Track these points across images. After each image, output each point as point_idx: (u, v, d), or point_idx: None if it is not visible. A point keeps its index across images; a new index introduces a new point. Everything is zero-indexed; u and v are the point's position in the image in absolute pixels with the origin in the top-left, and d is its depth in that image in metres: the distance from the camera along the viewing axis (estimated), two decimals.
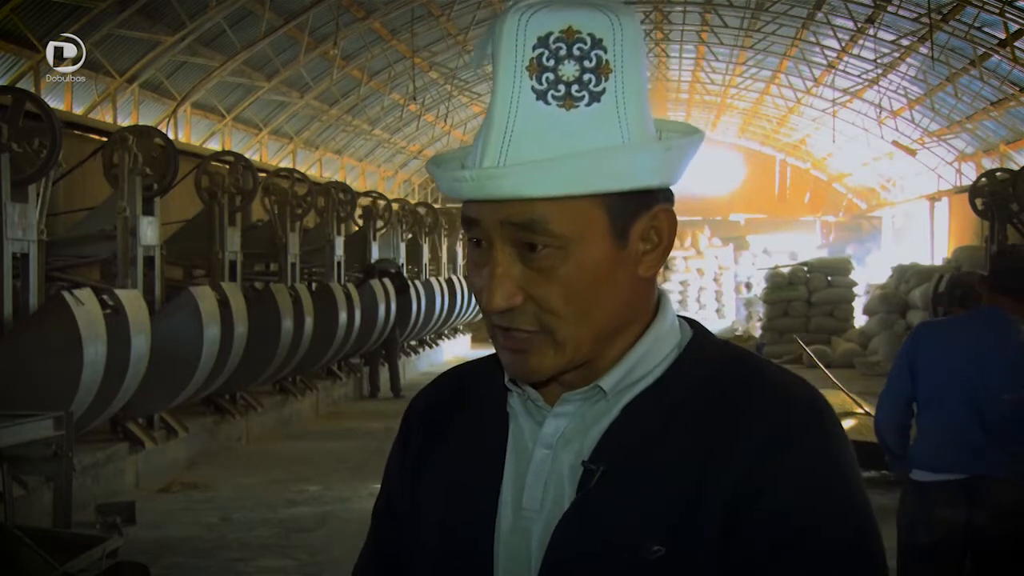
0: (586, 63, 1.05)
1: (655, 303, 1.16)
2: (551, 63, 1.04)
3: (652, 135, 1.10)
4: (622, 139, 1.06)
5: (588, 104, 1.05)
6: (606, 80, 1.05)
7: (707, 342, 1.16)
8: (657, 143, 1.09)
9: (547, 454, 1.13)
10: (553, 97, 1.04)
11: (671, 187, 1.14)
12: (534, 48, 1.04)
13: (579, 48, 1.05)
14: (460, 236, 22.74)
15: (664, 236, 1.11)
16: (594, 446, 1.11)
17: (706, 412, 1.09)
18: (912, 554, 3.72)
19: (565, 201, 1.04)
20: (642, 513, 1.07)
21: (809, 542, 1.04)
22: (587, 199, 1.05)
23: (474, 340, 23.31)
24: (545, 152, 1.03)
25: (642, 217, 1.09)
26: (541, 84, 1.04)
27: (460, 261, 22.57)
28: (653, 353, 1.13)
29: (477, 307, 15.27)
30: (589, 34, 1.05)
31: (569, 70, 1.04)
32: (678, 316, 1.18)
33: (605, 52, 1.05)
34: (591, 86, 1.05)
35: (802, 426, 1.07)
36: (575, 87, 1.04)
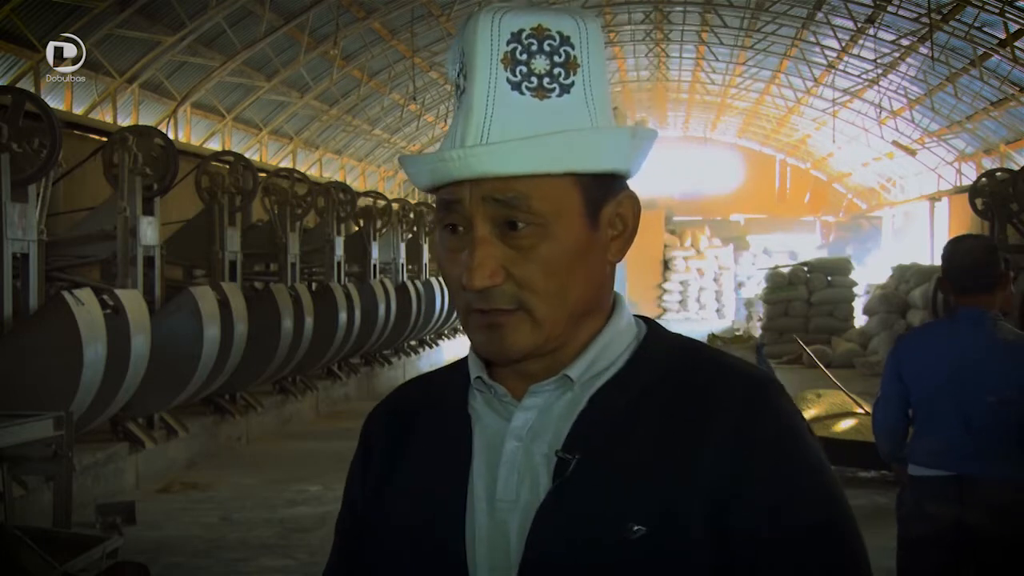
0: (556, 58, 1.12)
1: (612, 301, 1.22)
2: (524, 57, 1.11)
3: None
4: (593, 124, 1.13)
5: (559, 95, 1.12)
6: (575, 74, 1.12)
7: (663, 335, 1.22)
8: (625, 128, 1.15)
9: (517, 446, 1.16)
10: (527, 88, 1.11)
11: (630, 182, 1.20)
12: (508, 43, 1.11)
13: (549, 44, 1.12)
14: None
15: (629, 222, 1.18)
16: (565, 436, 1.14)
17: (673, 398, 1.15)
18: (907, 548, 3.75)
19: (545, 179, 1.10)
20: (620, 497, 1.11)
21: (787, 528, 1.10)
22: (564, 179, 1.11)
23: None
24: (522, 131, 1.10)
25: (610, 202, 1.16)
26: (515, 76, 1.11)
27: None
28: (614, 344, 1.18)
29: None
30: (558, 32, 1.12)
31: (540, 64, 1.12)
32: (633, 315, 1.24)
33: (573, 48, 1.12)
34: (561, 79, 1.12)
35: (763, 403, 1.14)
36: (547, 80, 1.12)
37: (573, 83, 1.12)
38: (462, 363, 1.26)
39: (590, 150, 1.11)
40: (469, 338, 1.19)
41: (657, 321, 1.25)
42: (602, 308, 1.19)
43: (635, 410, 1.14)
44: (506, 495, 1.15)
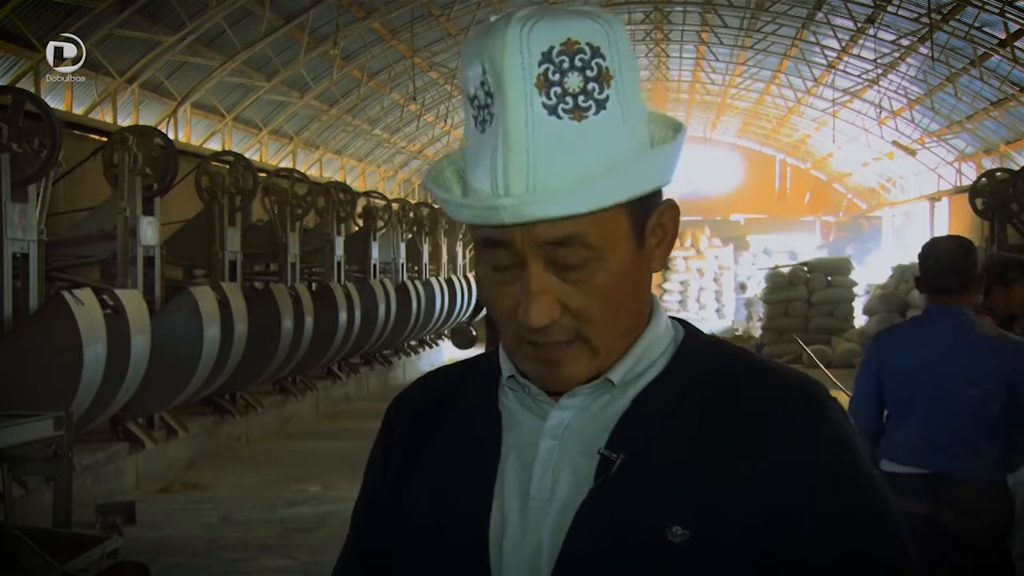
0: (588, 72, 1.07)
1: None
2: (556, 77, 1.07)
3: (650, 134, 1.15)
4: (633, 145, 1.10)
5: (596, 113, 1.08)
6: (608, 87, 1.08)
7: (700, 337, 1.22)
8: (664, 145, 1.13)
9: (553, 445, 1.15)
10: (563, 111, 1.07)
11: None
12: (539, 64, 1.06)
13: (580, 59, 1.07)
14: (460, 236, 22.75)
15: (669, 230, 1.16)
16: (608, 436, 1.14)
17: (717, 401, 1.14)
18: None
19: (598, 213, 1.08)
20: (665, 498, 1.10)
21: (844, 536, 1.10)
22: (615, 208, 1.09)
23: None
24: (569, 169, 1.06)
25: (653, 216, 1.14)
26: (550, 99, 1.06)
27: (460, 261, 22.58)
28: (654, 348, 1.18)
29: (475, 311, 14.92)
30: (587, 43, 1.08)
31: (574, 82, 1.07)
32: (669, 316, 1.24)
33: (604, 60, 1.08)
34: (595, 95, 1.08)
35: (816, 410, 1.13)
36: (581, 98, 1.07)
37: (608, 97, 1.08)
38: (492, 356, 1.24)
39: (637, 177, 1.09)
40: (518, 365, 1.17)
41: (692, 324, 1.24)
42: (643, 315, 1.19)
43: (678, 412, 1.14)
44: (540, 493, 1.14)
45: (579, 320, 1.10)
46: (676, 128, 1.16)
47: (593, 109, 1.07)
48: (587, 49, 1.07)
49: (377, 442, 1.32)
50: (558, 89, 1.06)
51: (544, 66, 1.06)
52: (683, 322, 1.23)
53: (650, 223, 1.13)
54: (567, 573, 1.10)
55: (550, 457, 1.15)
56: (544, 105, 1.06)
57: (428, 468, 1.22)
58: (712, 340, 1.22)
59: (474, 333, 15.01)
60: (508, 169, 1.06)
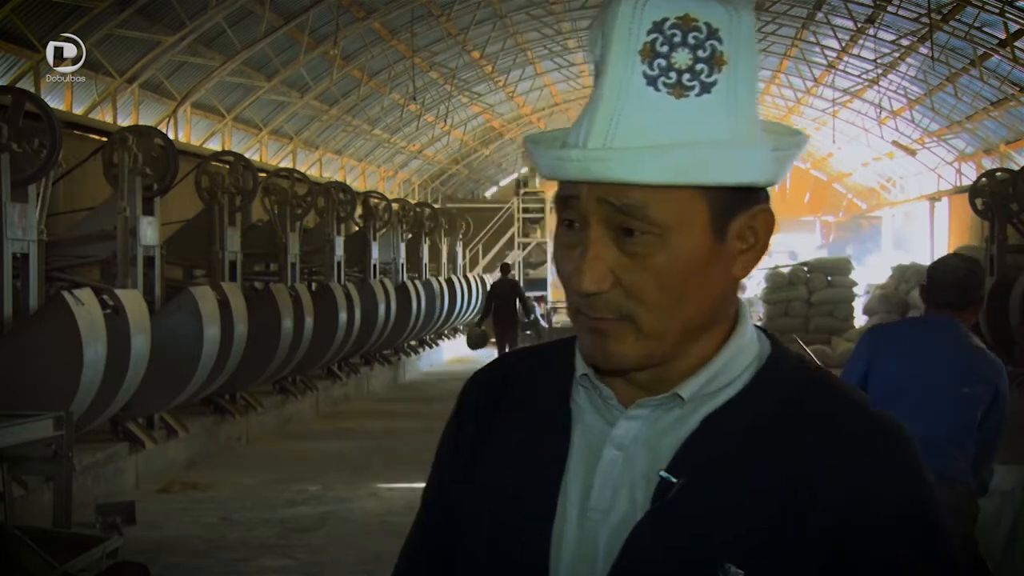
0: (700, 52, 1.02)
1: (735, 313, 1.14)
2: (664, 49, 1.02)
3: (759, 132, 1.08)
4: (731, 134, 1.04)
5: (699, 94, 1.03)
6: (719, 72, 1.03)
7: (787, 355, 1.15)
8: (765, 142, 1.06)
9: (618, 456, 1.11)
10: (664, 84, 1.03)
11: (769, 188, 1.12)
12: (648, 33, 1.02)
13: (694, 37, 1.02)
14: (460, 236, 22.77)
15: (761, 237, 1.10)
16: (672, 456, 1.09)
17: (794, 432, 1.08)
18: None
19: (668, 189, 1.03)
20: (722, 532, 1.05)
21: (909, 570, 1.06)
22: (690, 190, 1.03)
23: None
24: (652, 138, 1.02)
25: (742, 215, 1.07)
26: (653, 70, 1.02)
27: (460, 261, 22.59)
28: (734, 364, 1.11)
29: (484, 313, 14.88)
30: (706, 23, 1.02)
31: (682, 58, 1.02)
32: (756, 327, 1.16)
33: (720, 43, 1.03)
34: (703, 76, 1.03)
35: (899, 457, 1.09)
36: (687, 76, 1.02)
37: (716, 82, 1.02)
38: (570, 345, 1.20)
39: (721, 164, 1.03)
40: (578, 336, 1.13)
41: (778, 338, 1.17)
42: (723, 321, 1.12)
43: (749, 440, 1.07)
44: (599, 504, 1.11)
45: (630, 299, 1.05)
46: (793, 135, 1.10)
47: (697, 90, 1.02)
48: (704, 28, 1.02)
49: (446, 431, 1.28)
50: (663, 62, 1.02)
51: (653, 36, 1.02)
52: (772, 337, 1.16)
53: (737, 222, 1.07)
54: None
55: (612, 468, 1.11)
56: (644, 74, 1.02)
57: (495, 460, 1.18)
58: (798, 363, 1.14)
59: (487, 335, 15.01)
60: (591, 127, 1.03)
